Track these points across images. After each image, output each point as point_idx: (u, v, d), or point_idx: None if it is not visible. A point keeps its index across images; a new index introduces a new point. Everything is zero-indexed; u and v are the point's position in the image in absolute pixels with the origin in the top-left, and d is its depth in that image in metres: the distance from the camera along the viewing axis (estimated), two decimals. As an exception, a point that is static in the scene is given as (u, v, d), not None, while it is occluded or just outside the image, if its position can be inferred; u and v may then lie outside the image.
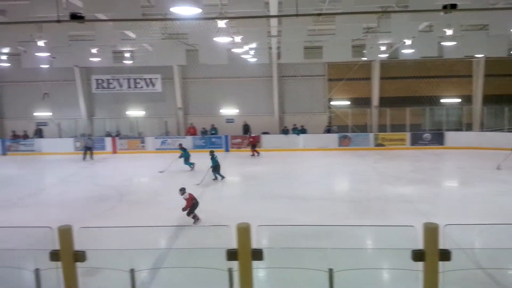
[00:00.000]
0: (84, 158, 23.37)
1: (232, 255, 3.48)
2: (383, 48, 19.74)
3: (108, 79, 26.70)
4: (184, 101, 27.72)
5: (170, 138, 26.26)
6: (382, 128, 26.91)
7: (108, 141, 25.81)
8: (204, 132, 26.45)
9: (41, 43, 15.61)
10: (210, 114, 27.41)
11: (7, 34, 16.15)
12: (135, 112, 27.99)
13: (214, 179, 17.42)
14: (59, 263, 3.64)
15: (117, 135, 26.78)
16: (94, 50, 19.03)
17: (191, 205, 11.53)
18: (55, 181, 19.01)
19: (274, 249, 4.17)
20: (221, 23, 12.62)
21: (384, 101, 27.06)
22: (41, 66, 21.87)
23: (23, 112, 27.58)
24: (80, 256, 3.39)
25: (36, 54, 17.19)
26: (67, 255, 3.32)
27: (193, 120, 27.34)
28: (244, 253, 3.40)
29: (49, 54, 18.09)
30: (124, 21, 13.51)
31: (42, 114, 27.44)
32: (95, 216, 12.91)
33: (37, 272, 4.60)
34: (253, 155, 23.78)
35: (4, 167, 22.17)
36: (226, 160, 22.71)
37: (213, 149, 19.14)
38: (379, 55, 20.83)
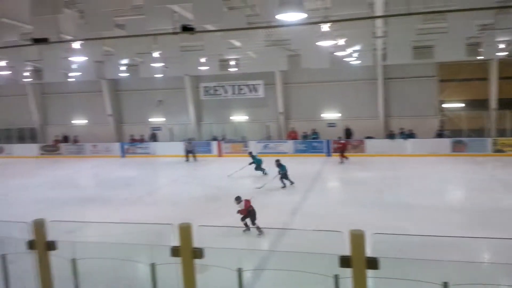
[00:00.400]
0: (186, 160, 24.85)
1: (345, 262, 3.40)
2: (501, 45, 18.00)
3: (214, 86, 28.08)
4: (285, 105, 28.02)
5: (271, 142, 26.72)
6: (501, 132, 24.45)
7: (214, 144, 27.07)
8: (305, 137, 26.45)
9: (156, 54, 16.92)
10: (311, 119, 27.33)
11: (127, 47, 17.82)
12: (239, 117, 28.99)
13: (282, 187, 16.99)
14: (167, 259, 3.87)
15: (222, 139, 27.97)
16: (202, 59, 20.13)
17: (246, 212, 11.40)
18: (168, 182, 20.43)
19: (386, 258, 4.00)
20: (325, 27, 12.53)
21: (503, 103, 24.58)
22: (155, 75, 23.77)
23: (139, 118, 30.13)
24: (198, 253, 3.58)
25: (151, 64, 18.65)
26: (187, 251, 3.52)
27: (294, 124, 27.51)
28: (358, 261, 3.31)
29: (163, 64, 19.52)
30: (231, 31, 14.04)
31: (156, 119, 29.73)
32: (205, 215, 13.54)
33: (153, 266, 4.88)
34: (341, 162, 22.77)
35: (124, 168, 24.38)
36: (328, 164, 22.46)
37: (279, 158, 17.98)
38: (497, 53, 19.02)
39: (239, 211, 11.42)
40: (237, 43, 17.89)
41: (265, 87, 27.69)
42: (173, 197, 16.84)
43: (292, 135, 26.87)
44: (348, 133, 25.84)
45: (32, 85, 30.11)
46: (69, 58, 16.11)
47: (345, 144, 23.69)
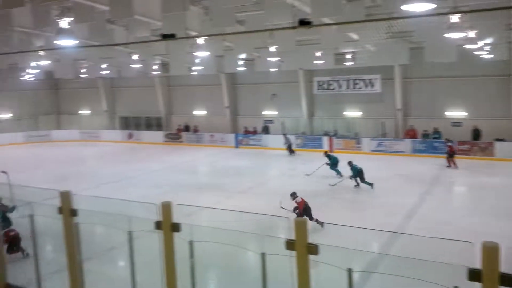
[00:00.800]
0: (290, 154, 25.05)
1: (475, 275, 3.08)
2: None
3: (328, 81, 27.69)
4: (403, 102, 26.54)
5: (386, 140, 25.57)
6: None
7: (325, 140, 26.78)
8: (425, 136, 24.79)
9: (272, 48, 17.19)
10: (432, 117, 25.50)
11: (246, 42, 18.39)
12: (352, 113, 28.24)
13: (356, 186, 16.67)
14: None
15: (334, 135, 27.54)
16: (318, 53, 19.96)
17: (303, 209, 11.54)
18: (278, 174, 20.81)
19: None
20: (454, 18, 11.52)
21: None
22: (270, 69, 24.23)
23: (253, 110, 31.05)
24: (313, 249, 3.55)
25: (268, 59, 19.02)
26: (302, 246, 3.52)
27: (413, 122, 25.94)
28: (491, 276, 2.96)
29: (278, 58, 19.79)
30: (349, 24, 13.66)
31: (269, 112, 30.36)
32: (312, 208, 13.51)
33: (263, 256, 4.94)
34: (449, 166, 20.73)
35: (237, 158, 25.39)
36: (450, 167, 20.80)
37: (351, 160, 17.19)
38: None
39: (295, 209, 11.65)
40: (355, 36, 17.37)
41: (383, 82, 26.51)
42: (282, 189, 17.04)
43: (410, 134, 25.38)
44: (476, 134, 23.57)
45: (159, 78, 32.78)
46: (193, 53, 17.11)
47: (452, 147, 21.35)
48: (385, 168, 20.82)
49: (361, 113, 28.00)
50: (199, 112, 33.13)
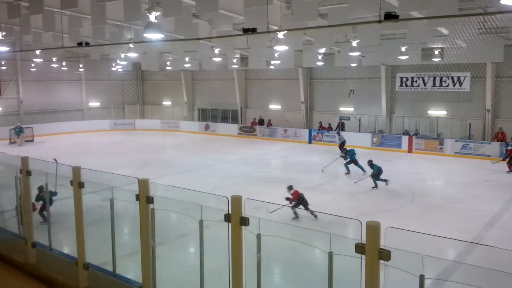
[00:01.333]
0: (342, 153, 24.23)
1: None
2: None
3: (412, 77, 26.32)
4: (494, 102, 24.52)
5: (472, 142, 23.84)
6: None
7: (404, 139, 25.61)
8: (517, 140, 22.77)
9: (354, 43, 16.66)
10: (526, 120, 23.34)
11: (326, 36, 18.02)
12: (436, 112, 26.64)
13: (373, 187, 16.49)
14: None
15: (414, 134, 26.24)
16: (403, 48, 19.03)
17: (296, 199, 12.40)
18: (350, 172, 20.21)
19: None
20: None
21: None
22: (350, 64, 23.57)
23: (329, 106, 30.48)
24: (385, 255, 3.35)
25: (349, 53, 18.49)
26: (373, 251, 3.33)
27: (503, 125, 23.91)
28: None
29: (359, 53, 19.17)
30: (439, 18, 12.82)
31: (346, 109, 29.61)
32: (383, 212, 13.04)
33: (330, 255, 4.80)
34: (509, 171, 19.37)
35: (310, 154, 25.12)
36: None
37: (371, 159, 17.19)
38: None
39: (288, 198, 12.57)
40: (445, 31, 16.31)
41: (472, 80, 24.69)
42: (352, 188, 16.60)
43: (499, 137, 23.45)
44: None
45: (238, 71, 33.35)
46: (273, 47, 17.10)
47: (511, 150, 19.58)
48: (469, 172, 19.53)
49: (445, 112, 26.33)
50: (274, 106, 33.23)
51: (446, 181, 18.41)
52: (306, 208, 12.31)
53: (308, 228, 6.16)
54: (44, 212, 8.92)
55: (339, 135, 26.05)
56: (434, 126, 26.66)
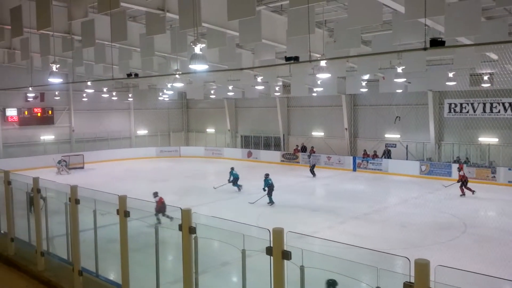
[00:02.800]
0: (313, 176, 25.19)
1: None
2: None
3: (461, 103, 25.43)
4: (551, 129, 23.20)
5: (528, 171, 22.53)
6: None
7: (455, 167, 24.55)
8: None
9: (399, 69, 16.40)
10: None
11: (370, 63, 17.87)
12: (487, 139, 25.48)
13: (268, 203, 18.19)
14: None
15: (465, 162, 25.14)
16: (450, 74, 18.53)
17: (158, 207, 13.23)
18: (398, 201, 19.56)
19: None
20: None
21: None
22: (395, 91, 23.15)
23: (374, 133, 29.89)
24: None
25: (394, 80, 18.20)
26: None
27: None
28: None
29: (405, 79, 18.83)
30: (488, 44, 12.43)
31: (392, 136, 28.92)
32: (436, 244, 12.47)
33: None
34: (462, 194, 19.73)
35: (354, 182, 24.58)
36: None
37: (268, 173, 19.39)
38: None
39: (156, 205, 13.54)
40: (494, 56, 15.75)
41: (525, 106, 23.52)
42: (402, 218, 16.00)
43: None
44: None
45: (280, 99, 33.57)
46: (315, 75, 17.13)
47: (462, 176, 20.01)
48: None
49: (497, 139, 25.13)
50: (317, 133, 33.01)
51: (499, 211, 17.39)
52: (164, 214, 12.72)
53: (354, 262, 5.92)
54: None
55: (309, 158, 27.37)
56: (486, 153, 25.47)
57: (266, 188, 18.56)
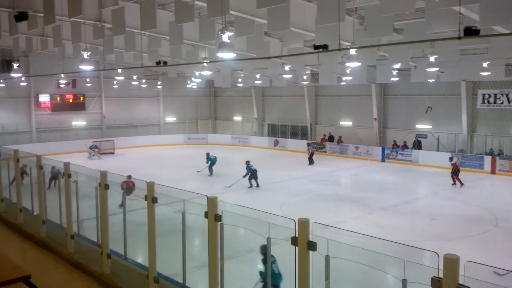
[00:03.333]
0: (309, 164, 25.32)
1: None
2: None
3: (495, 94, 24.58)
4: None
5: None
6: None
7: (487, 160, 23.88)
8: None
9: (432, 58, 15.95)
10: None
11: (402, 52, 17.44)
12: (524, 131, 24.61)
13: (249, 187, 19.44)
14: None
15: (498, 155, 24.39)
16: (485, 64, 17.91)
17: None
18: (428, 193, 19.21)
19: None
20: None
21: None
22: (428, 80, 22.56)
23: (405, 123, 29.29)
24: (463, 290, 3.08)
25: (426, 69, 17.73)
26: (451, 286, 3.07)
27: None
28: None
29: (437, 69, 18.32)
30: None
31: (423, 126, 28.29)
32: (466, 237, 12.21)
33: (404, 282, 4.56)
34: (454, 183, 20.09)
35: (383, 173, 24.22)
36: None
37: (249, 160, 20.61)
38: None
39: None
40: (533, 45, 15.10)
41: None
42: (432, 210, 15.72)
43: None
44: None
45: (308, 87, 33.28)
46: (344, 63, 16.88)
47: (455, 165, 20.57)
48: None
49: (534, 132, 24.23)
50: (345, 123, 32.61)
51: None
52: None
53: (381, 253, 5.87)
54: None
55: (308, 145, 28.03)
56: (520, 146, 24.63)
57: (248, 174, 19.69)
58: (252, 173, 19.72)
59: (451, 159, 21.71)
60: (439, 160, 25.10)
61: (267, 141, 35.49)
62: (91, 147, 29.89)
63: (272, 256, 7.07)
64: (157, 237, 6.17)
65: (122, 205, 7.17)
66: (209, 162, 22.76)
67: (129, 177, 15.08)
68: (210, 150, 26.09)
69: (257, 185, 19.73)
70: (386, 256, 7.74)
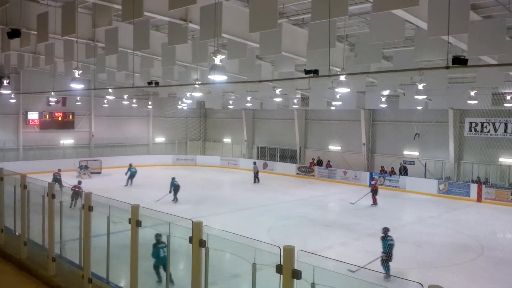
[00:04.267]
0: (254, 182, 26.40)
1: None
2: None
3: (482, 123, 24.99)
4: None
5: (551, 194, 21.89)
6: None
7: (473, 188, 24.06)
8: None
9: (420, 86, 16.20)
10: None
11: (391, 79, 17.72)
12: (508, 160, 24.91)
13: (173, 200, 20.66)
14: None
15: (484, 183, 24.60)
16: (472, 93, 18.23)
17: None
18: (414, 220, 19.20)
19: None
20: None
21: None
22: (416, 107, 22.87)
23: (392, 149, 29.47)
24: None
25: (414, 96, 17.98)
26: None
27: None
28: None
29: (425, 96, 18.59)
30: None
31: (411, 153, 28.49)
32: (452, 265, 12.16)
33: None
34: (373, 204, 21.52)
35: (370, 199, 24.07)
36: None
37: (174, 177, 21.60)
38: None
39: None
40: (518, 76, 15.47)
41: (549, 128, 22.97)
42: (418, 237, 15.69)
43: None
44: None
45: (298, 111, 33.49)
46: (334, 89, 17.06)
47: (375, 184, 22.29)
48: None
49: (519, 161, 24.55)
50: (334, 147, 32.76)
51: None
52: (76, 201, 11.87)
53: (367, 281, 5.81)
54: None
55: (254, 164, 29.57)
56: (506, 174, 24.90)
57: (172, 190, 20.89)
58: (175, 188, 20.88)
59: (372, 178, 23.05)
60: (426, 187, 25.22)
61: (256, 163, 35.41)
62: (80, 167, 29.48)
63: (163, 242, 7.48)
64: (140, 260, 6.06)
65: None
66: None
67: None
68: (194, 172, 25.94)
69: (176, 200, 20.84)
70: (372, 284, 7.66)
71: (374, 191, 21.92)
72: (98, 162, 31.42)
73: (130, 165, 26.25)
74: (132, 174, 25.73)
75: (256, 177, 28.76)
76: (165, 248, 7.15)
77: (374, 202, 21.68)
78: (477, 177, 25.44)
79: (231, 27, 11.81)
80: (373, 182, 22.58)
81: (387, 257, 11.31)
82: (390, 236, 11.78)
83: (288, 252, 3.84)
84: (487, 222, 18.37)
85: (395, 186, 26.83)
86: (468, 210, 21.45)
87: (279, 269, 3.98)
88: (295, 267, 3.97)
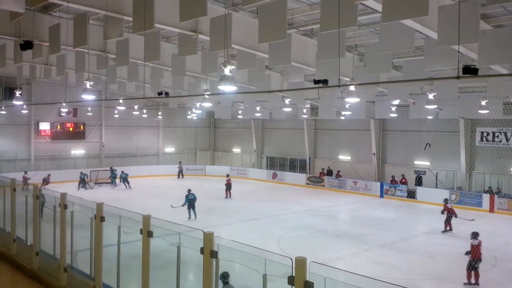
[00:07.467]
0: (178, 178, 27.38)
1: None
2: None
3: (494, 132, 24.75)
4: None
5: None
6: None
7: (485, 198, 23.75)
8: None
9: (431, 95, 16.12)
10: None
11: (401, 88, 17.65)
12: (522, 170, 24.60)
13: (188, 218, 18.90)
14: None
15: (496, 193, 24.28)
16: (483, 102, 18.10)
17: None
18: (427, 230, 18.96)
19: None
20: None
21: None
22: (426, 117, 22.73)
23: (403, 159, 29.29)
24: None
25: (425, 106, 17.90)
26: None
27: None
28: None
29: (436, 106, 18.49)
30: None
31: (421, 163, 28.28)
32: (464, 276, 11.96)
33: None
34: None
35: (381, 209, 24.02)
36: None
37: (190, 189, 19.97)
38: None
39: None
40: (530, 85, 15.32)
41: None
42: (430, 248, 15.50)
43: None
44: None
45: (307, 121, 33.47)
46: (344, 99, 17.04)
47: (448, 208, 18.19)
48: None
49: (532, 171, 24.21)
50: (344, 157, 32.62)
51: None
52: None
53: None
54: None
55: (180, 163, 33.97)
56: (519, 185, 24.56)
57: (186, 204, 19.24)
58: (189, 203, 19.19)
59: (446, 200, 19.25)
60: (437, 197, 24.92)
61: (266, 173, 35.37)
62: (81, 177, 28.53)
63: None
64: (152, 271, 6.06)
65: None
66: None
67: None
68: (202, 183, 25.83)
69: (195, 217, 19.11)
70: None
71: (450, 216, 18.42)
72: (108, 172, 31.60)
73: (122, 172, 29.32)
74: (124, 178, 28.87)
75: (180, 174, 33.92)
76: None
77: (449, 228, 18.52)
78: (489, 187, 25.12)
79: (241, 38, 11.90)
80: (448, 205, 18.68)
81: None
82: None
83: (301, 263, 3.82)
84: (500, 233, 18.09)
85: (407, 196, 26.59)
86: (480, 220, 21.12)
87: (291, 280, 3.96)
88: (307, 279, 3.95)
